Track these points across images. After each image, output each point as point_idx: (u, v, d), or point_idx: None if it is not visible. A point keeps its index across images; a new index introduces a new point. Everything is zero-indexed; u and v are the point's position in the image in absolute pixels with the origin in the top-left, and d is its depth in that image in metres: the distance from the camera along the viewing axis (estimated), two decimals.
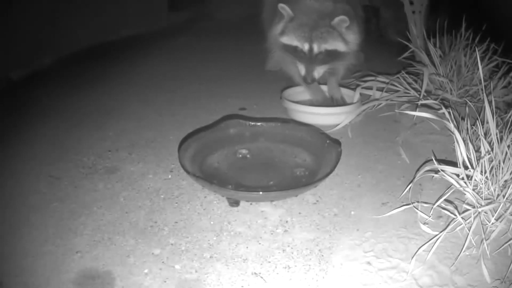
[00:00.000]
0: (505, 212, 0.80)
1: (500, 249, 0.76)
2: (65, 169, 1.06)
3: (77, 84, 1.64)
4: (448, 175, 0.86)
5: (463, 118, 1.03)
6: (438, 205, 0.83)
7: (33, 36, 1.74)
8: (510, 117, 0.92)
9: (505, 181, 0.83)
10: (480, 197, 0.83)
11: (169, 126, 1.29)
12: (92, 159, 1.11)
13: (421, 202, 0.88)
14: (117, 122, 1.32)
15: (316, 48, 1.25)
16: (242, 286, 0.71)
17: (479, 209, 0.79)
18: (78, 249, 0.80)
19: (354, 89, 1.42)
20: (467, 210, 0.81)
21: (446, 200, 0.84)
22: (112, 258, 0.77)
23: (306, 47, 1.25)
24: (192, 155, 0.99)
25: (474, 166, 0.85)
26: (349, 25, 1.25)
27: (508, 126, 0.89)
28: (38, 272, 0.74)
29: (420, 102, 1.18)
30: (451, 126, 0.89)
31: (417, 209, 0.86)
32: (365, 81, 1.47)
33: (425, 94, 1.29)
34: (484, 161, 0.83)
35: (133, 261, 0.77)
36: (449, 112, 0.93)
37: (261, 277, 0.73)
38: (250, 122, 1.12)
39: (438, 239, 0.76)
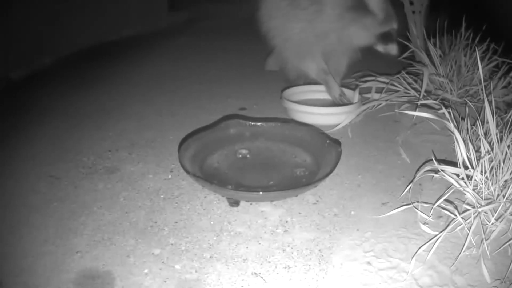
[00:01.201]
0: (505, 212, 0.80)
1: (500, 249, 0.76)
2: (65, 169, 1.06)
3: (77, 84, 1.64)
4: (448, 175, 0.86)
5: (463, 118, 1.03)
6: (438, 205, 0.83)
7: (33, 36, 1.74)
8: (510, 117, 0.92)
9: (505, 181, 0.83)
10: (480, 197, 0.83)
11: (169, 126, 1.29)
12: (92, 159, 1.11)
13: (421, 202, 0.88)
14: (117, 122, 1.32)
15: None
16: (242, 286, 0.71)
17: (479, 209, 0.79)
18: (78, 249, 0.79)
19: (354, 89, 1.42)
20: (467, 210, 0.81)
21: (446, 200, 0.84)
22: (112, 258, 0.77)
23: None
24: (192, 155, 0.99)
25: (474, 166, 0.85)
26: None
27: (508, 126, 0.89)
28: (38, 272, 0.74)
29: (420, 102, 1.18)
30: (451, 126, 0.89)
31: (417, 209, 0.86)
32: (365, 81, 1.47)
33: (425, 94, 1.29)
34: (484, 161, 0.83)
35: (133, 261, 0.77)
36: (449, 112, 0.93)
37: (261, 277, 0.73)
38: (250, 122, 1.12)
39: (438, 239, 0.76)
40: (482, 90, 1.11)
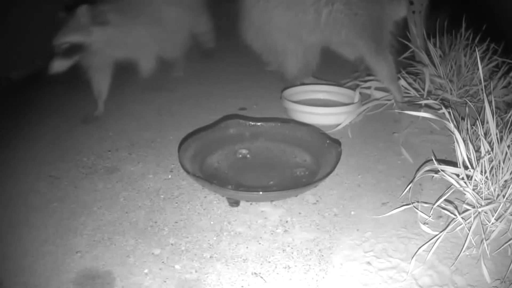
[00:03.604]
0: (505, 212, 0.80)
1: (500, 249, 0.76)
2: (65, 169, 1.06)
3: (77, 84, 1.64)
4: (448, 175, 0.86)
5: (463, 118, 1.03)
6: (438, 205, 0.83)
7: (33, 36, 1.74)
8: (510, 117, 0.92)
9: (505, 181, 0.83)
10: (480, 197, 0.83)
11: (169, 126, 1.29)
12: (92, 159, 1.11)
13: (421, 202, 0.88)
14: (117, 122, 1.32)
15: None
16: (242, 286, 0.71)
17: (479, 209, 0.79)
18: (78, 249, 0.80)
19: (354, 89, 1.42)
20: (467, 210, 0.81)
21: (446, 200, 0.84)
22: (112, 258, 0.78)
23: None
24: (192, 155, 0.99)
25: (474, 166, 0.85)
26: None
27: (508, 126, 0.89)
28: (38, 272, 0.74)
29: (423, 102, 1.18)
30: (451, 126, 0.89)
31: (417, 209, 0.86)
32: (365, 81, 1.47)
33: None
34: (484, 161, 0.83)
35: (133, 261, 0.77)
36: (449, 112, 0.93)
37: (261, 277, 0.73)
38: (250, 122, 1.12)
39: (438, 239, 0.76)
40: (482, 90, 1.11)
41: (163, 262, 0.76)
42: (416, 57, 1.58)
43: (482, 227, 0.78)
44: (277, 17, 1.36)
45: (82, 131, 1.26)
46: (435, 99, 1.22)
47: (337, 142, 1.07)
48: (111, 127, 1.28)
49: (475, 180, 0.84)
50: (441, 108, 0.97)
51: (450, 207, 0.85)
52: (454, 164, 0.89)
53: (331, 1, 1.29)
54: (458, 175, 0.87)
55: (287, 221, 0.87)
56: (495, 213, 0.79)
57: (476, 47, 1.30)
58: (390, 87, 1.35)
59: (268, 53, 1.50)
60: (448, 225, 0.80)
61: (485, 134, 0.91)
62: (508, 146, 0.84)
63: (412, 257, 0.75)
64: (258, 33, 1.44)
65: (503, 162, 0.83)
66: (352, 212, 0.90)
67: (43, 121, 1.33)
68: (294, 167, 1.03)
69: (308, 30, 1.35)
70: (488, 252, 0.75)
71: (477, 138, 0.97)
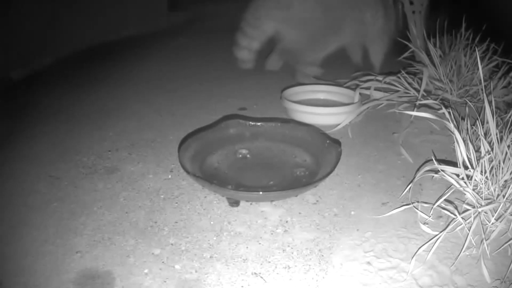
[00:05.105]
0: (505, 212, 0.80)
1: (500, 249, 0.76)
2: (65, 169, 1.06)
3: (77, 84, 1.64)
4: (448, 175, 0.86)
5: (463, 118, 1.03)
6: (438, 205, 0.83)
7: (33, 36, 1.74)
8: (510, 117, 0.92)
9: (505, 181, 0.83)
10: (480, 197, 0.83)
11: (169, 126, 1.29)
12: (92, 159, 1.11)
13: (421, 202, 0.88)
14: (117, 122, 1.32)
15: None
16: (242, 286, 0.71)
17: (479, 209, 0.79)
18: (78, 249, 0.80)
19: (354, 89, 1.42)
20: (467, 210, 0.81)
21: (446, 200, 0.84)
22: (112, 258, 0.78)
23: None
24: (192, 155, 0.99)
25: (474, 166, 0.85)
26: None
27: (508, 126, 0.89)
28: (38, 272, 0.74)
29: (418, 102, 1.18)
30: (451, 126, 0.89)
31: (417, 209, 0.86)
32: (365, 81, 1.48)
33: (425, 94, 1.29)
34: (484, 161, 0.83)
35: (133, 261, 0.77)
36: (449, 112, 0.93)
37: (261, 277, 0.73)
38: (250, 122, 1.12)
39: (438, 239, 0.76)
40: (482, 90, 1.11)
41: (163, 262, 0.76)
42: (416, 57, 1.58)
43: (482, 227, 0.78)
44: (336, 12, 1.57)
45: (82, 131, 1.26)
46: (435, 99, 1.22)
47: (337, 142, 1.07)
48: (111, 127, 1.28)
49: (475, 180, 0.84)
50: (441, 108, 0.97)
51: (450, 207, 0.85)
52: (454, 164, 0.89)
53: (377, 16, 1.64)
54: (458, 175, 0.87)
55: (287, 221, 0.87)
56: (495, 213, 0.79)
57: (476, 47, 1.30)
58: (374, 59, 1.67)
59: (289, 46, 1.63)
60: (448, 225, 0.80)
61: (485, 134, 0.91)
62: (508, 146, 0.84)
63: (412, 257, 0.75)
64: (296, 23, 1.58)
65: (503, 162, 0.83)
66: (352, 212, 0.90)
67: (43, 121, 1.33)
68: (294, 167, 1.03)
69: (354, 31, 1.60)
70: (488, 252, 0.75)
71: (477, 138, 0.97)
